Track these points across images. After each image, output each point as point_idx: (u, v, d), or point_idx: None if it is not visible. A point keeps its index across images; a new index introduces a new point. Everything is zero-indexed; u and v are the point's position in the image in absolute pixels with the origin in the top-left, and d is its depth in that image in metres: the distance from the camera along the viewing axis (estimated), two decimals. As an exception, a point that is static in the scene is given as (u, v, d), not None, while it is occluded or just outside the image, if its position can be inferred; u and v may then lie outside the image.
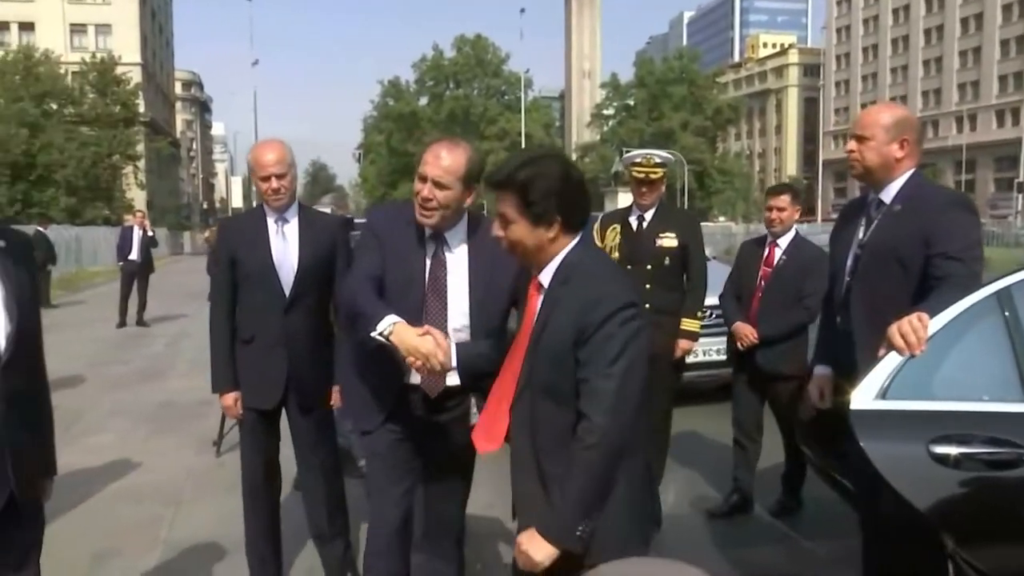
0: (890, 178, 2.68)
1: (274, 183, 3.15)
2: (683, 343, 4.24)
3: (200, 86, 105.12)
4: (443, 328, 2.44)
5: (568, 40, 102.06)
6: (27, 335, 2.17)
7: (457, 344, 2.31)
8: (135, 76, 49.57)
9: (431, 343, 2.18)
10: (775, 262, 4.27)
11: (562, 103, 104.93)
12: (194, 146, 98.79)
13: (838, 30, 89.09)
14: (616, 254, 4.24)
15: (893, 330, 2.20)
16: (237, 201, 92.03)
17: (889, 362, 2.26)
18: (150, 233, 13.88)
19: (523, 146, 55.21)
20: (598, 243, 4.31)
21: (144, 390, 7.98)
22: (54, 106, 42.80)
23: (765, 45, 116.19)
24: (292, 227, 3.24)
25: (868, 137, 2.68)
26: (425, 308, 2.50)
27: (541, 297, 2.03)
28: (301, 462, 3.43)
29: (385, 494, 2.64)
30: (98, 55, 46.37)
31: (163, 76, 70.59)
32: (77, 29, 56.29)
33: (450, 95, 70.64)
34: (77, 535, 4.04)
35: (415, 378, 2.51)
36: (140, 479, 5.06)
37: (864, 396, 2.28)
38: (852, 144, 2.73)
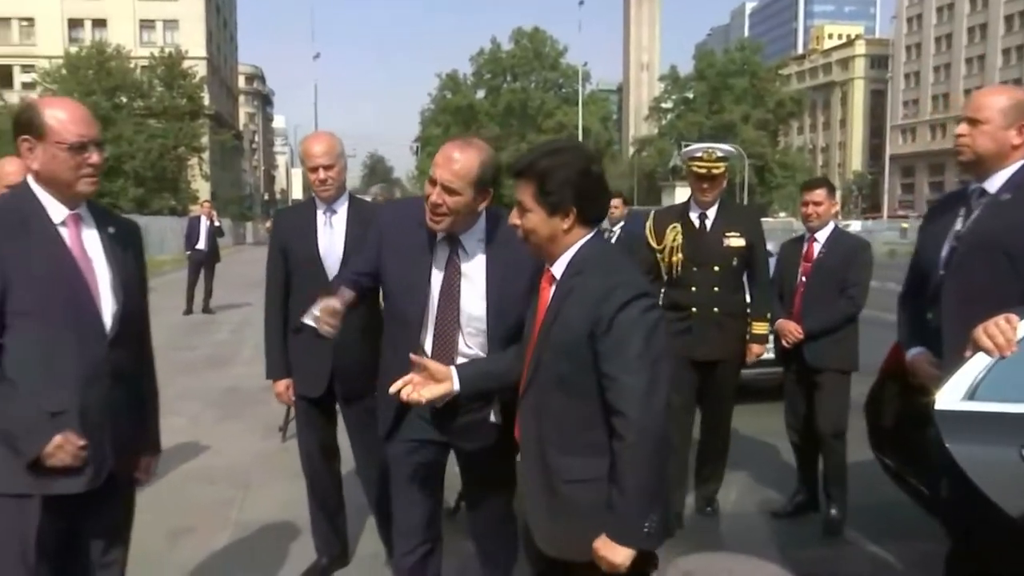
0: (1000, 166, 2.49)
1: (321, 174, 3.21)
2: (755, 348, 4.10)
3: (262, 80, 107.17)
4: (454, 336, 2.42)
5: (627, 32, 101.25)
6: (133, 316, 2.29)
7: (459, 366, 2.29)
8: (200, 70, 50.84)
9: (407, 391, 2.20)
10: (815, 256, 4.16)
11: (620, 96, 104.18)
12: (256, 138, 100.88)
13: (909, 19, 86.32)
14: (678, 255, 4.05)
15: (979, 331, 2.12)
16: (297, 192, 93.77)
17: (978, 361, 2.17)
18: (216, 223, 14.21)
19: (580, 140, 55.13)
20: (653, 243, 4.13)
21: (211, 376, 8.23)
22: (124, 99, 44.20)
23: (830, 36, 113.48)
24: (340, 218, 3.28)
25: (982, 120, 2.47)
26: (436, 315, 2.44)
27: (553, 288, 2.05)
28: (353, 447, 3.49)
29: (404, 498, 2.63)
30: (166, 50, 47.65)
31: (227, 70, 72.13)
32: (146, 25, 57.84)
33: (507, 88, 70.68)
34: (154, 513, 4.13)
35: None
36: (210, 461, 5.22)
37: (951, 396, 2.18)
38: (963, 128, 2.52)
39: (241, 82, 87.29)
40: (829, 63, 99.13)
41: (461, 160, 2.31)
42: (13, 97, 43.97)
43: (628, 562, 1.91)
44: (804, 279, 4.18)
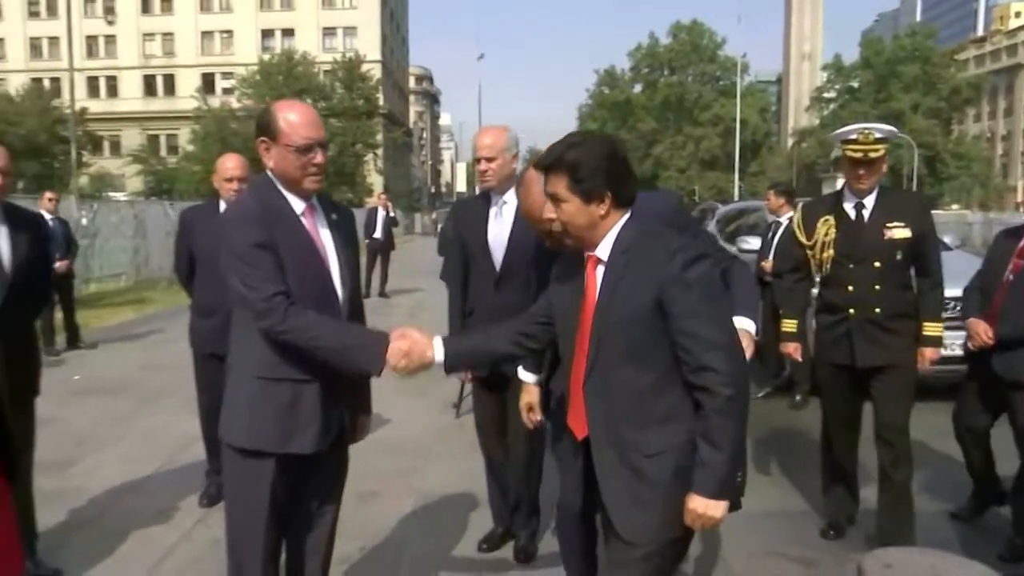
0: None
1: (483, 165, 3.30)
2: (928, 352, 3.55)
3: (431, 80, 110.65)
4: None
5: (788, 22, 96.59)
6: (356, 297, 2.48)
7: (446, 338, 2.34)
8: (376, 73, 53.11)
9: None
10: None
11: (779, 87, 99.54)
12: (424, 135, 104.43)
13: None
14: (830, 251, 3.60)
15: None
16: (461, 186, 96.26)
17: None
18: (392, 214, 14.88)
19: (738, 132, 53.20)
20: (802, 239, 3.70)
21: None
22: (309, 101, 46.88)
23: (1017, 14, 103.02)
24: (510, 208, 3.32)
25: None
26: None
27: (602, 269, 2.03)
28: (509, 421, 3.48)
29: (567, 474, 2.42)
30: (347, 55, 50.18)
31: (399, 72, 75.01)
32: (328, 32, 61.03)
33: (664, 82, 69.29)
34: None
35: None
36: (394, 432, 5.49)
37: None
38: None
39: (411, 83, 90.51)
40: (1015, 44, 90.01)
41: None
42: (215, 101, 47.75)
43: (723, 515, 1.93)
44: (1012, 277, 3.60)
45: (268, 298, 2.21)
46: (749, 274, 2.84)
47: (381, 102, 52.85)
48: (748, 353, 2.52)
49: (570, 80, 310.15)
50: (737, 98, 56.67)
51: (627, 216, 2.05)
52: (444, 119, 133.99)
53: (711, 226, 10.70)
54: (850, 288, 3.58)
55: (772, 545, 3.75)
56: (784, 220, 6.59)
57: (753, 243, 7.21)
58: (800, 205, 4.03)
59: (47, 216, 7.48)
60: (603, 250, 2.04)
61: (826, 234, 3.63)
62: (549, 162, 2.03)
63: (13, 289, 3.05)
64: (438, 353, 2.26)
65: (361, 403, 2.61)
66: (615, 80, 71.53)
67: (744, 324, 2.53)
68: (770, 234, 6.72)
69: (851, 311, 3.57)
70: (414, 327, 2.31)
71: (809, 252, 3.72)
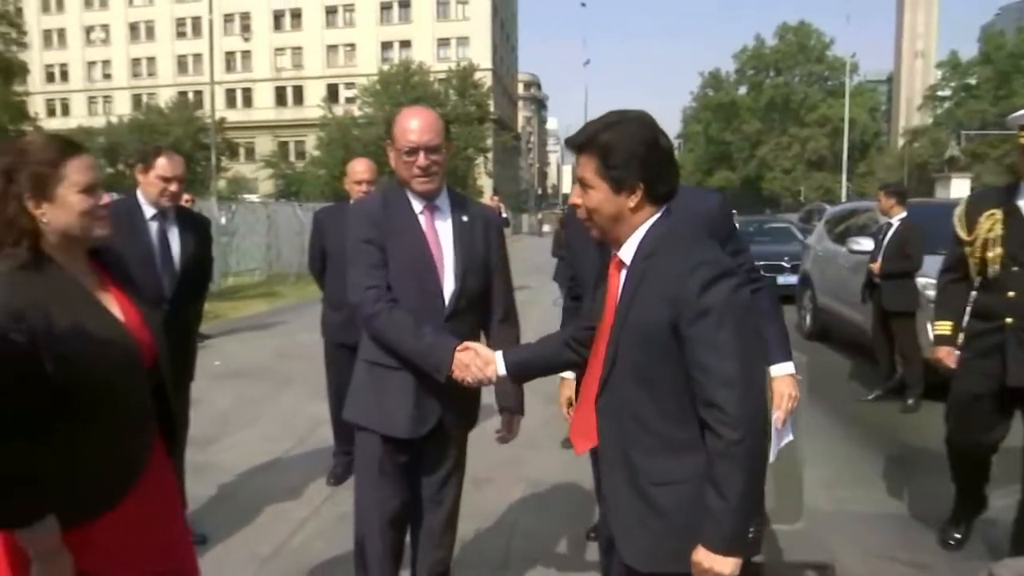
0: None
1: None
2: None
3: (538, 86, 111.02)
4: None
5: (900, 20, 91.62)
6: (472, 294, 2.47)
7: (506, 352, 2.24)
8: (487, 80, 53.76)
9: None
10: None
11: (889, 86, 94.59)
12: (531, 139, 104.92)
13: None
14: (997, 249, 3.13)
15: None
16: (567, 187, 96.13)
17: None
18: (504, 215, 15.03)
19: (846, 132, 50.83)
20: (962, 234, 3.28)
21: (499, 349, 8.70)
22: (425, 108, 47.91)
23: None
24: None
25: None
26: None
27: (623, 275, 1.75)
28: None
29: None
30: (460, 64, 51.04)
31: (508, 79, 75.63)
32: (443, 43, 62.15)
33: (770, 83, 67.08)
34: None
35: None
36: (503, 423, 5.54)
37: None
38: None
39: (520, 89, 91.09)
40: None
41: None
42: (338, 110, 49.55)
43: (736, 571, 1.61)
44: None
45: (362, 291, 2.33)
46: (777, 304, 2.59)
47: (492, 108, 53.47)
48: (792, 402, 2.39)
49: (674, 83, 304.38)
50: (846, 98, 54.14)
51: (659, 215, 1.75)
52: (551, 123, 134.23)
53: (819, 226, 10.30)
54: (1011, 294, 3.12)
55: (885, 548, 3.59)
56: (895, 221, 6.28)
57: (865, 244, 6.89)
58: (966, 198, 3.58)
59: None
60: (626, 252, 1.75)
61: (990, 230, 3.17)
62: (581, 141, 1.75)
63: (182, 285, 3.31)
64: (500, 367, 2.17)
65: (471, 401, 2.60)
66: (720, 82, 69.77)
67: (783, 369, 2.42)
68: (881, 235, 6.40)
69: (1008, 320, 3.11)
70: (481, 342, 2.30)
71: (968, 249, 3.28)
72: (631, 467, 1.72)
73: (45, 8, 64.74)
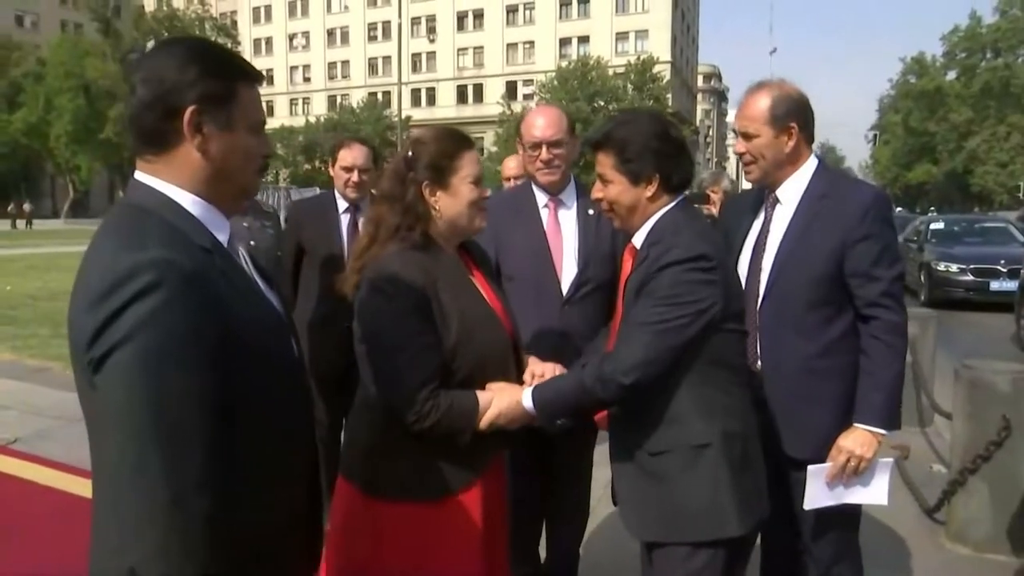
0: None
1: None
2: None
3: (719, 78, 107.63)
4: None
5: None
6: (592, 283, 2.53)
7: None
8: (666, 74, 52.85)
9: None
10: None
11: None
12: (710, 133, 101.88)
13: None
14: None
15: None
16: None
17: None
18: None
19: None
20: None
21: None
22: (601, 103, 47.93)
23: None
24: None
25: None
26: None
27: (633, 261, 1.88)
28: None
29: None
30: (640, 57, 50.54)
31: (688, 71, 73.93)
32: (621, 37, 61.83)
33: (986, 66, 60.60)
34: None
35: None
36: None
37: None
38: None
39: (700, 81, 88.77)
40: None
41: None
42: (517, 107, 50.65)
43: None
44: None
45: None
46: (895, 343, 2.14)
47: (670, 103, 52.45)
48: (851, 460, 2.10)
49: (870, 71, 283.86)
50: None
51: (673, 204, 1.87)
52: (730, 116, 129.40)
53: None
54: None
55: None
56: None
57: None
58: None
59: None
60: (639, 238, 1.89)
61: None
62: (598, 139, 1.90)
63: None
64: (526, 401, 1.82)
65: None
66: (924, 68, 64.03)
67: (863, 424, 2.12)
68: None
69: None
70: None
71: None
72: (632, 440, 1.84)
73: (256, 19, 71.32)
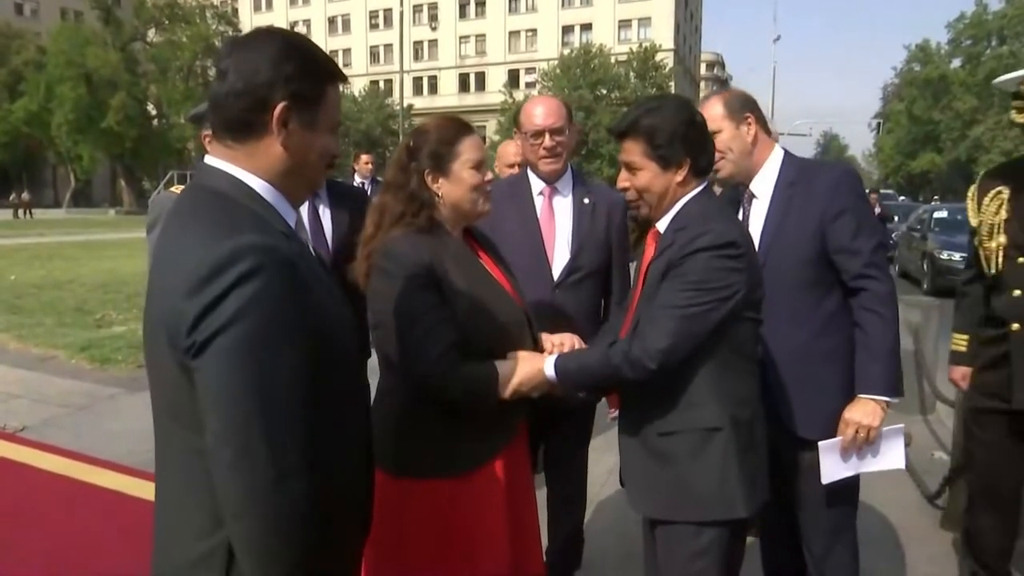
0: None
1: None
2: None
3: (722, 65, 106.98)
4: None
5: None
6: (582, 270, 2.59)
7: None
8: (669, 62, 52.62)
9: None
10: None
11: None
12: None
13: None
14: (1000, 238, 2.49)
15: None
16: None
17: None
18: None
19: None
20: (971, 219, 2.63)
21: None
22: (604, 91, 47.80)
23: None
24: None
25: None
26: None
27: (656, 246, 1.88)
28: None
29: None
30: (643, 46, 50.30)
31: (691, 59, 73.55)
32: (623, 24, 61.49)
33: (991, 54, 60.25)
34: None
35: None
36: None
37: None
38: None
39: (703, 69, 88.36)
40: None
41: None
42: (519, 95, 50.46)
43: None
44: None
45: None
46: (887, 309, 2.17)
47: (672, 90, 52.24)
48: (860, 432, 2.14)
49: (874, 59, 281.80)
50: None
51: (699, 189, 1.88)
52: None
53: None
54: (1016, 293, 2.47)
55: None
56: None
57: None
58: (980, 176, 2.73)
59: (359, 181, 7.50)
60: (663, 223, 1.90)
61: (996, 213, 2.50)
62: (624, 127, 1.88)
63: (337, 261, 3.39)
64: (548, 369, 1.86)
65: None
66: (929, 56, 63.69)
67: (866, 393, 2.15)
68: None
69: (1014, 327, 2.48)
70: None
71: (976, 240, 2.62)
72: (640, 421, 1.86)
73: (257, 7, 71.03)
